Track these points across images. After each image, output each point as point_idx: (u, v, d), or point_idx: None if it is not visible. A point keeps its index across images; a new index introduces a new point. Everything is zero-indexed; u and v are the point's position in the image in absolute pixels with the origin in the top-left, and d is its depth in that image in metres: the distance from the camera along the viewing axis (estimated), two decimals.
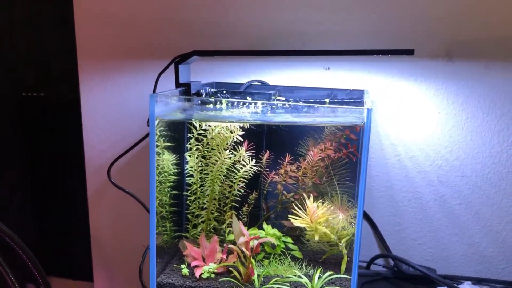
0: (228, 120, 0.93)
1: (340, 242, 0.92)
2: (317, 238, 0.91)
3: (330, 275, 0.88)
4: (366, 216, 1.18)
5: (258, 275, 0.88)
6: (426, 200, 1.15)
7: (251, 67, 1.17)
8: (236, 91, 1.02)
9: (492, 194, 1.11)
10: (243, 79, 1.15)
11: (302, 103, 0.98)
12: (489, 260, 1.14)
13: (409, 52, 0.88)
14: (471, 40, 1.06)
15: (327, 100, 1.06)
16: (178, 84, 0.95)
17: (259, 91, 1.05)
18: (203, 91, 0.98)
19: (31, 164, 1.63)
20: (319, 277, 0.87)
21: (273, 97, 1.01)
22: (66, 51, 1.38)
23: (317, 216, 0.91)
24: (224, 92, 1.01)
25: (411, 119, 1.12)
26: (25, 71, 1.56)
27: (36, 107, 1.57)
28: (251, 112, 0.93)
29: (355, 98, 1.06)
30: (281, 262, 0.94)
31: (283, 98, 1.05)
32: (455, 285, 1.07)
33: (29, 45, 1.52)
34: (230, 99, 0.95)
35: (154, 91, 0.99)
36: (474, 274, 1.15)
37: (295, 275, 0.88)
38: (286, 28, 1.13)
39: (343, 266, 0.91)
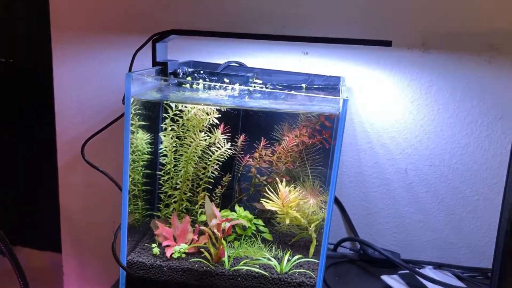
0: (204, 103, 0.93)
1: (310, 226, 0.94)
2: (287, 221, 0.93)
3: (298, 259, 0.90)
4: (336, 200, 1.21)
5: (229, 257, 0.90)
6: (394, 187, 1.18)
7: (229, 48, 1.17)
8: (213, 72, 1.01)
9: (458, 183, 1.15)
10: (220, 59, 1.14)
11: (279, 90, 0.98)
12: (451, 247, 1.19)
13: (387, 44, 0.89)
14: (447, 33, 1.08)
15: (304, 86, 1.06)
16: (155, 63, 0.94)
17: (236, 72, 1.05)
18: (180, 70, 0.97)
19: None
20: (288, 260, 0.89)
21: (250, 80, 1.01)
22: (39, 21, 1.34)
23: (289, 200, 0.93)
24: (202, 72, 1.00)
25: (385, 107, 1.14)
26: None
27: (4, 73, 1.52)
28: (228, 94, 0.93)
29: (331, 84, 1.07)
30: (252, 244, 0.96)
31: (261, 81, 1.05)
32: (416, 269, 1.11)
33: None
34: (207, 82, 0.94)
35: (130, 69, 0.98)
36: (436, 259, 1.20)
37: (265, 258, 0.90)
38: (267, 9, 1.12)
39: (312, 250, 0.94)
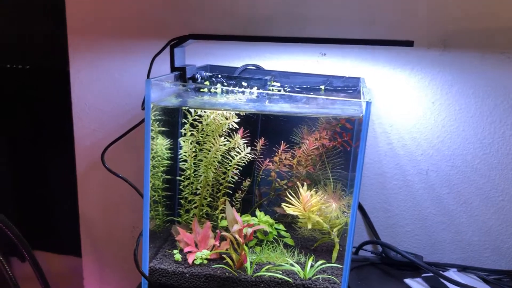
0: (224, 108, 0.92)
1: (332, 231, 0.93)
2: (309, 226, 0.92)
3: (322, 264, 0.89)
4: None
5: (251, 262, 0.89)
6: (416, 188, 1.16)
7: (246, 51, 1.16)
8: (231, 76, 1.00)
9: (481, 184, 1.13)
10: (237, 63, 1.13)
11: (300, 94, 0.97)
12: (475, 249, 1.17)
13: (409, 44, 0.88)
14: (468, 31, 1.06)
15: (322, 87, 1.05)
16: (173, 68, 0.93)
17: (254, 75, 1.04)
18: (198, 75, 0.96)
19: (17, 139, 1.60)
20: (311, 266, 0.88)
21: (268, 83, 1.00)
22: (56, 27, 1.35)
23: (311, 205, 0.92)
24: (219, 76, 0.99)
25: (405, 108, 1.12)
26: (9, 42, 1.52)
27: (22, 80, 1.53)
28: (247, 99, 0.92)
29: (350, 85, 1.06)
30: (273, 249, 0.95)
31: (278, 84, 1.04)
32: (440, 272, 1.09)
33: (15, 18, 1.47)
34: (225, 87, 0.93)
35: (148, 74, 0.97)
36: (460, 261, 1.18)
37: (287, 263, 0.89)
38: (285, 11, 1.11)
39: (335, 255, 0.93)
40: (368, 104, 0.76)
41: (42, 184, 1.65)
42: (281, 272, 0.87)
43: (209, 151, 0.96)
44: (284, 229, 0.98)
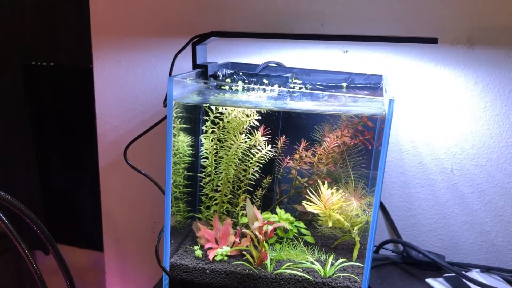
0: (245, 106, 0.92)
1: (353, 229, 0.92)
2: (330, 224, 0.91)
3: (342, 262, 0.89)
4: None
5: (271, 260, 0.89)
6: (438, 188, 1.14)
7: (267, 48, 1.16)
8: (252, 73, 1.00)
9: (506, 184, 1.11)
10: (258, 60, 1.13)
11: (321, 91, 0.97)
12: (499, 249, 1.15)
13: (433, 41, 0.86)
14: (494, 27, 1.04)
15: (344, 85, 1.04)
16: (195, 66, 0.94)
17: (275, 73, 1.04)
18: (220, 73, 0.96)
19: (40, 134, 1.63)
20: (332, 264, 0.88)
21: (289, 80, 1.00)
22: (79, 22, 1.37)
23: (331, 203, 0.91)
24: (240, 73, 0.99)
25: (428, 105, 1.11)
26: (34, 40, 1.54)
27: (46, 77, 1.56)
28: (268, 96, 0.92)
29: (372, 83, 1.05)
30: (294, 247, 0.95)
31: (300, 81, 1.04)
32: (463, 272, 1.07)
33: (40, 16, 1.50)
34: (247, 84, 0.94)
35: (170, 72, 0.98)
36: (483, 262, 1.16)
37: (308, 261, 0.89)
38: (305, 8, 1.10)
39: (355, 253, 0.92)
40: (391, 101, 0.76)
41: (66, 180, 1.68)
42: (301, 270, 0.87)
43: (230, 148, 0.96)
44: (305, 226, 0.98)
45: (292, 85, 1.00)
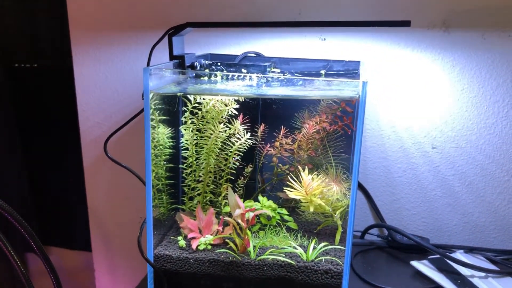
0: (221, 94, 0.93)
1: (335, 214, 0.93)
2: (312, 209, 0.92)
3: (324, 246, 0.89)
4: (361, 187, 1.19)
5: (254, 246, 0.89)
6: (420, 171, 1.16)
7: (246, 38, 1.16)
8: (231, 63, 1.01)
9: (486, 164, 1.12)
10: (238, 51, 1.14)
11: (297, 76, 0.97)
12: (481, 230, 1.16)
13: (406, 24, 0.87)
14: (468, 10, 1.05)
15: (323, 72, 1.05)
16: (172, 57, 0.94)
17: (254, 63, 1.04)
18: (197, 63, 0.97)
19: (25, 136, 1.62)
20: (314, 248, 0.89)
21: (268, 69, 1.00)
22: (58, 22, 1.36)
23: (312, 188, 0.92)
24: (219, 64, 1.00)
25: (407, 90, 1.12)
26: (16, 42, 1.54)
27: (28, 79, 1.55)
28: (246, 85, 0.92)
29: (351, 69, 1.06)
30: (277, 233, 0.95)
31: (279, 70, 1.04)
32: (447, 253, 1.09)
33: (20, 16, 1.49)
34: (224, 73, 0.94)
35: (148, 64, 0.98)
36: (467, 243, 1.17)
37: (290, 246, 0.90)
38: None
39: (338, 237, 0.93)
40: (365, 84, 0.76)
41: (52, 180, 1.67)
42: (284, 255, 0.87)
43: (210, 138, 0.96)
44: (287, 213, 0.99)
45: (270, 74, 1.00)
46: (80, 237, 1.65)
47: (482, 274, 1.03)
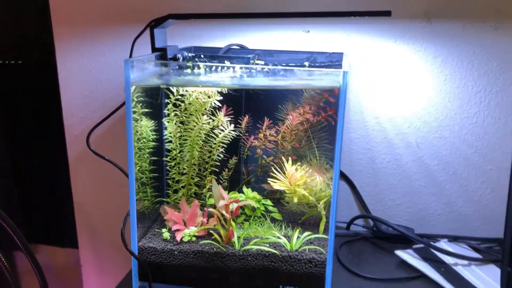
0: (202, 85, 0.93)
1: (319, 204, 0.93)
2: (296, 200, 0.92)
3: (308, 235, 0.90)
4: (346, 178, 1.20)
5: (238, 237, 0.90)
6: (404, 162, 1.17)
7: (231, 31, 1.16)
8: (214, 56, 1.01)
9: (469, 154, 1.13)
10: (222, 43, 1.14)
11: (278, 67, 0.97)
12: (465, 218, 1.17)
13: (386, 13, 0.87)
14: (450, 1, 1.06)
15: (306, 64, 1.05)
16: (154, 49, 0.94)
17: (238, 55, 1.04)
18: (180, 55, 0.97)
19: (10, 133, 1.61)
20: (298, 237, 0.89)
21: (251, 61, 1.00)
22: (41, 16, 1.35)
23: (296, 179, 0.92)
24: (202, 56, 1.00)
25: (390, 81, 1.13)
26: (1, 40, 1.52)
27: (11, 74, 1.54)
28: (229, 76, 0.92)
29: (334, 61, 1.06)
30: (261, 224, 0.95)
31: (262, 62, 1.04)
32: (431, 243, 1.10)
33: (5, 15, 1.48)
34: (207, 63, 0.94)
35: (130, 57, 0.98)
36: (451, 232, 1.18)
37: (274, 236, 0.90)
38: None
39: (322, 227, 0.93)
40: (345, 73, 0.77)
41: (37, 176, 1.66)
42: (268, 245, 0.88)
43: (193, 130, 0.96)
44: (272, 204, 0.99)
45: (254, 67, 1.00)
46: (68, 233, 1.64)
47: (466, 262, 1.04)
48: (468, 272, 1.01)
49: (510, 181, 0.78)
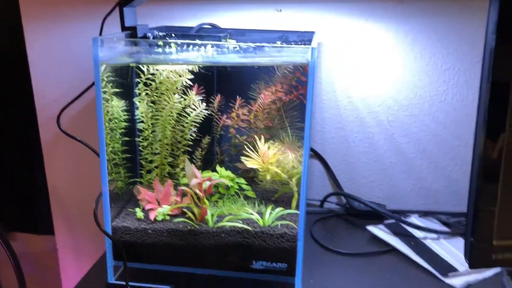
0: (171, 63, 0.93)
1: (291, 181, 0.95)
2: (268, 177, 0.94)
3: (280, 211, 0.91)
4: (319, 157, 1.22)
5: (212, 215, 0.90)
6: (376, 139, 1.19)
7: (202, 10, 1.15)
8: (186, 35, 1.00)
9: (438, 131, 1.16)
10: (193, 23, 1.13)
11: (249, 43, 0.98)
12: (435, 194, 1.21)
13: None
14: None
15: (278, 43, 1.05)
16: (123, 28, 0.93)
17: (209, 34, 1.04)
18: (150, 34, 0.96)
19: None
20: (270, 214, 0.90)
21: (223, 40, 1.00)
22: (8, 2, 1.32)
23: (268, 157, 0.93)
24: (173, 35, 0.99)
25: (362, 60, 1.14)
26: None
27: None
28: (200, 55, 0.92)
29: (306, 40, 1.07)
30: (235, 202, 0.96)
31: (234, 41, 1.04)
32: (402, 218, 1.13)
33: None
34: (177, 41, 0.93)
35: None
36: (421, 207, 1.21)
37: (247, 213, 0.91)
38: None
39: (294, 203, 0.95)
40: (313, 50, 0.78)
41: (10, 164, 1.64)
42: (241, 222, 0.89)
43: (164, 109, 0.96)
44: (246, 182, 1.00)
45: (225, 44, 1.00)
46: (44, 219, 1.63)
47: (435, 236, 1.08)
48: (436, 245, 1.04)
49: (473, 157, 0.80)
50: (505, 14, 0.62)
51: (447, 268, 0.96)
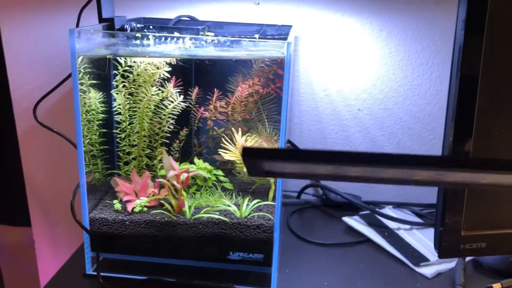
0: (149, 55, 0.93)
1: None
2: (245, 169, 0.95)
3: (257, 203, 0.93)
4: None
5: (189, 206, 0.92)
6: (352, 132, 1.21)
7: (180, 2, 1.16)
8: (163, 27, 1.00)
9: (412, 124, 1.19)
10: (172, 15, 1.13)
11: (227, 37, 0.98)
12: (409, 186, 1.24)
13: None
14: None
15: (256, 36, 1.06)
16: (101, 19, 0.92)
17: (188, 26, 1.04)
18: (128, 26, 0.96)
19: None
20: (247, 205, 0.92)
21: (201, 33, 1.01)
22: None
23: None
24: (151, 27, 0.99)
25: (338, 54, 1.16)
26: None
27: None
28: (178, 48, 0.92)
29: (283, 33, 1.08)
30: (212, 194, 0.98)
31: (212, 34, 1.05)
32: (376, 209, 1.15)
33: None
34: (156, 34, 0.94)
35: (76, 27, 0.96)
36: (396, 199, 1.24)
37: (225, 205, 0.92)
38: None
39: (271, 195, 0.96)
40: (289, 44, 0.79)
41: None
42: (218, 213, 0.90)
43: (142, 101, 0.96)
44: (223, 174, 1.01)
45: (204, 38, 1.01)
46: (20, 211, 1.61)
47: (408, 226, 1.11)
48: (409, 235, 1.07)
49: (442, 150, 0.83)
50: (472, 12, 0.64)
51: (419, 258, 0.99)
